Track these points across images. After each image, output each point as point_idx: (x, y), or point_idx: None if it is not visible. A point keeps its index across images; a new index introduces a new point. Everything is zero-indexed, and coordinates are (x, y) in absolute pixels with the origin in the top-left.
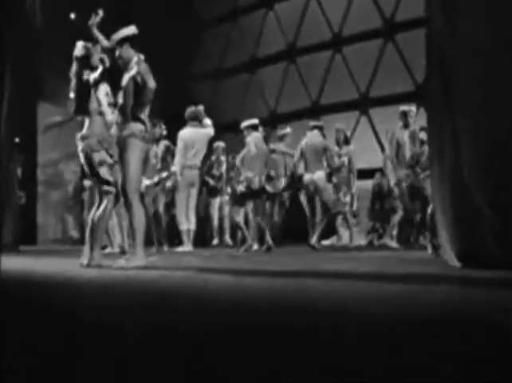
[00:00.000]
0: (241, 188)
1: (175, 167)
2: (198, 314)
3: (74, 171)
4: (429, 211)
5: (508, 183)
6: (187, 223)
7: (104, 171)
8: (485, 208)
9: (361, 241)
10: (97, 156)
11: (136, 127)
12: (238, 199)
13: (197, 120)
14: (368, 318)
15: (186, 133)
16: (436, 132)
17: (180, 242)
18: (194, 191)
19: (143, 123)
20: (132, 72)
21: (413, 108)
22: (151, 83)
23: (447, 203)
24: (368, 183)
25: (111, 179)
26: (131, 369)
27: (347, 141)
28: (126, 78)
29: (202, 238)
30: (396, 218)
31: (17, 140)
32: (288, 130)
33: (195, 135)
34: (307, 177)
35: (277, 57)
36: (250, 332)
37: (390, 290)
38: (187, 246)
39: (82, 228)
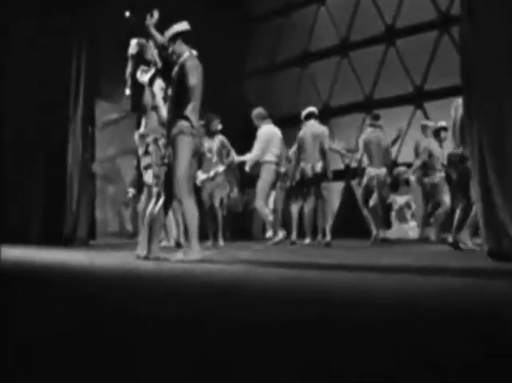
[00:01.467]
0: (296, 179)
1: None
2: (258, 307)
3: (130, 166)
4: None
5: None
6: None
7: (148, 176)
8: None
9: (415, 234)
10: (145, 161)
11: (184, 124)
12: (294, 190)
13: (268, 118)
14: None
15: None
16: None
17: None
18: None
19: (188, 119)
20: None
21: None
22: (192, 80)
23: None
24: None
25: (151, 181)
26: (193, 360)
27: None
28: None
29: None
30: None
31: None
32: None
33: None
34: (372, 171)
35: (330, 51)
36: (309, 325)
37: (446, 285)
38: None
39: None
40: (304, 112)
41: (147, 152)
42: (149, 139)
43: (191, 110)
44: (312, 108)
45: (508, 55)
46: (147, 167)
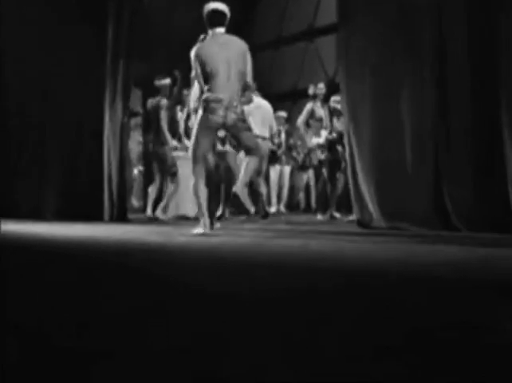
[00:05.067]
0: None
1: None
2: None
3: (135, 142)
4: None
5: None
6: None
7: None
8: None
9: None
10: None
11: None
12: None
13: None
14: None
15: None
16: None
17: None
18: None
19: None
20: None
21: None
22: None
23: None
24: None
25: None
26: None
27: None
28: None
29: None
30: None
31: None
32: None
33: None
34: None
35: (336, 27)
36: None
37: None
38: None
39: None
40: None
41: None
42: None
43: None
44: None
45: (377, 55)
46: None
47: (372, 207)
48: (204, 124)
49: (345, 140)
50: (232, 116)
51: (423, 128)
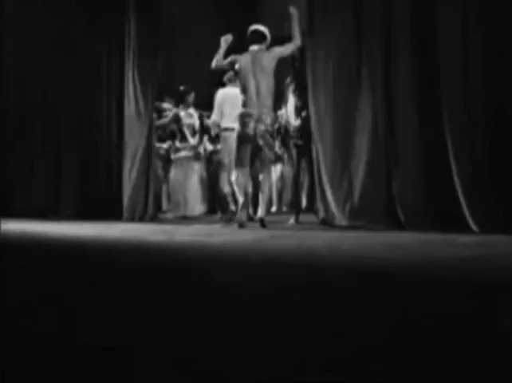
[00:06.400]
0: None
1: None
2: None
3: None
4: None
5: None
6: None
7: None
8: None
9: None
10: None
11: None
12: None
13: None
14: None
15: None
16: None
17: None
18: None
19: None
20: None
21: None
22: None
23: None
24: None
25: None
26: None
27: None
28: None
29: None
30: None
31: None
32: None
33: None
34: None
35: None
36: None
37: None
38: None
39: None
40: None
41: None
42: None
43: None
44: None
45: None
46: None
47: (334, 205)
48: (239, 136)
49: (312, 141)
50: (261, 128)
51: (376, 130)
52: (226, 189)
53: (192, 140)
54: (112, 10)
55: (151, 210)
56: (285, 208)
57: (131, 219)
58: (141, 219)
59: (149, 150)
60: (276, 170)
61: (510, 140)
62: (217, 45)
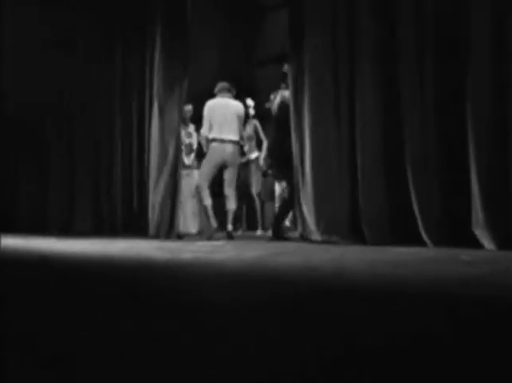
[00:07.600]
0: None
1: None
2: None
3: None
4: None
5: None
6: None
7: None
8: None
9: None
10: None
11: None
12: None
13: (224, 91)
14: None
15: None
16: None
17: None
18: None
19: None
20: None
21: None
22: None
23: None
24: None
25: None
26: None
27: None
28: None
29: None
30: None
31: None
32: None
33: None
34: None
35: None
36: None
37: None
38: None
39: None
40: None
41: None
42: None
43: None
44: None
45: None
46: None
47: (309, 220)
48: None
49: (293, 156)
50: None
51: (343, 147)
52: (207, 201)
53: (187, 161)
54: (138, 22)
55: (176, 227)
56: (288, 223)
57: (156, 237)
58: (167, 237)
59: (177, 162)
60: (280, 184)
61: (460, 151)
62: (217, 58)
